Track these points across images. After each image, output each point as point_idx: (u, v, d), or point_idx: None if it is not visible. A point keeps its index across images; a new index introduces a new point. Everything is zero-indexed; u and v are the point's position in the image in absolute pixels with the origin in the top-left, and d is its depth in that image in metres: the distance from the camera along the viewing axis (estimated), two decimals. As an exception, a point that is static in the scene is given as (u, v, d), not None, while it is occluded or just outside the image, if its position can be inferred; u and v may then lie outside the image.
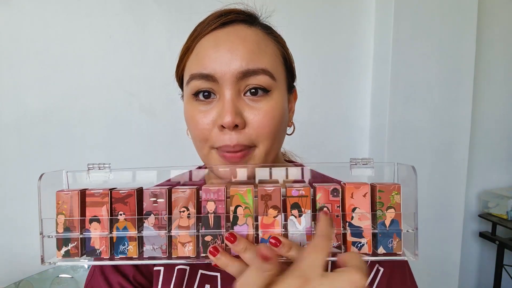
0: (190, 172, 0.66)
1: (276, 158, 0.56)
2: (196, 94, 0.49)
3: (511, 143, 1.90)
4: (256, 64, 0.47)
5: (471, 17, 1.58)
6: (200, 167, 0.66)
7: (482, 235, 1.83)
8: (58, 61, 1.33)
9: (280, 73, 0.51)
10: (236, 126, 0.47)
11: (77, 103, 1.36)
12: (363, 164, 0.47)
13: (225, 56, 0.47)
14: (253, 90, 0.48)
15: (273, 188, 0.42)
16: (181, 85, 0.56)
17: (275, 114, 0.49)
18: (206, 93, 0.49)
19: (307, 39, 1.55)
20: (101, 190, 0.45)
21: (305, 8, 1.53)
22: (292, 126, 0.60)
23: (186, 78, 0.51)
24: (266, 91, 0.48)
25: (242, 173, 0.54)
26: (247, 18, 0.51)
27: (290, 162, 0.66)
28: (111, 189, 0.45)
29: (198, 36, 0.50)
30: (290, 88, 0.56)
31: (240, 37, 0.48)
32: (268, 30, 0.53)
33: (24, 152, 1.35)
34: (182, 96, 0.58)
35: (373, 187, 0.44)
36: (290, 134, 0.61)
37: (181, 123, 0.65)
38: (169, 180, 0.64)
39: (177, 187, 0.45)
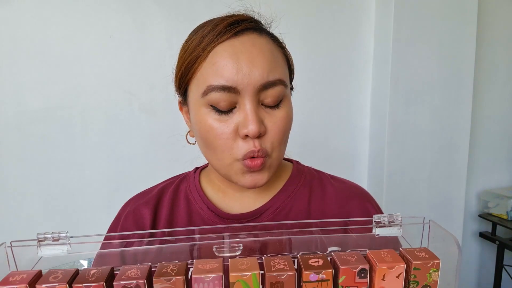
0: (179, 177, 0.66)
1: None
2: (214, 105, 0.49)
3: (511, 143, 1.90)
4: (275, 75, 0.49)
5: (471, 17, 1.57)
6: (197, 168, 0.66)
7: (482, 235, 1.83)
8: (58, 60, 1.33)
9: (288, 79, 0.54)
10: (260, 134, 0.48)
11: (77, 103, 1.36)
12: (389, 222, 0.41)
13: (246, 67, 0.47)
14: (271, 102, 0.50)
15: (286, 274, 0.35)
16: (183, 92, 0.55)
17: (289, 120, 0.52)
18: (226, 105, 0.48)
19: (307, 40, 1.55)
20: (61, 275, 0.34)
21: (305, 8, 1.52)
22: None
23: (200, 88, 0.49)
24: (281, 99, 0.51)
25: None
26: (258, 26, 0.52)
27: (287, 160, 0.67)
28: (73, 275, 0.35)
29: (210, 44, 0.49)
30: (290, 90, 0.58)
31: (256, 47, 0.49)
32: (274, 37, 0.54)
33: (24, 151, 1.35)
34: (181, 101, 0.57)
35: (407, 263, 0.36)
36: None
37: (181, 123, 0.64)
38: (153, 188, 0.64)
39: (159, 275, 0.34)
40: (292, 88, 0.59)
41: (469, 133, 1.66)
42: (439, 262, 0.36)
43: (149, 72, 1.40)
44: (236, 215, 0.57)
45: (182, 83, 0.53)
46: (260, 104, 0.49)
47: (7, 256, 0.38)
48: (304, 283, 0.35)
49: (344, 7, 1.57)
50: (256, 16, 0.55)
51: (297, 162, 0.66)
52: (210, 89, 0.48)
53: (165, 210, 0.60)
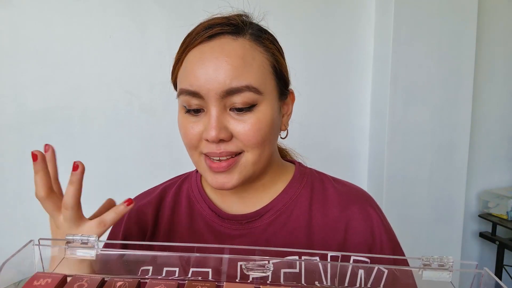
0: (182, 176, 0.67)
1: (270, 162, 0.56)
2: (185, 106, 0.51)
3: (511, 143, 1.90)
4: (240, 81, 0.48)
5: (471, 17, 1.57)
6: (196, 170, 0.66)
7: (482, 235, 1.83)
8: (58, 60, 1.33)
9: (268, 84, 0.51)
10: (222, 140, 0.49)
11: (77, 103, 1.36)
12: (439, 266, 0.37)
13: (210, 74, 0.47)
14: (238, 107, 0.49)
15: None
16: (176, 88, 0.57)
17: (262, 126, 0.50)
18: (194, 108, 0.50)
19: (307, 40, 1.54)
20: (86, 283, 0.33)
21: (305, 8, 1.53)
22: (286, 130, 0.59)
23: (177, 89, 0.53)
24: (251, 106, 0.49)
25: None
26: (233, 30, 0.50)
27: (289, 161, 0.66)
28: (98, 285, 0.34)
29: (186, 48, 0.51)
30: (283, 94, 0.55)
31: (225, 52, 0.48)
32: (258, 39, 0.52)
33: (24, 152, 1.34)
34: None
35: None
36: (284, 138, 0.61)
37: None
38: (159, 186, 0.65)
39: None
40: (286, 93, 0.56)
41: (469, 133, 1.66)
42: None
43: (149, 72, 1.40)
44: (237, 216, 0.57)
45: (173, 82, 0.57)
46: (227, 109, 0.49)
47: (34, 253, 0.37)
48: None
49: (344, 7, 1.57)
50: (244, 18, 0.53)
51: (299, 163, 0.65)
52: (180, 92, 0.51)
53: (167, 211, 0.60)
